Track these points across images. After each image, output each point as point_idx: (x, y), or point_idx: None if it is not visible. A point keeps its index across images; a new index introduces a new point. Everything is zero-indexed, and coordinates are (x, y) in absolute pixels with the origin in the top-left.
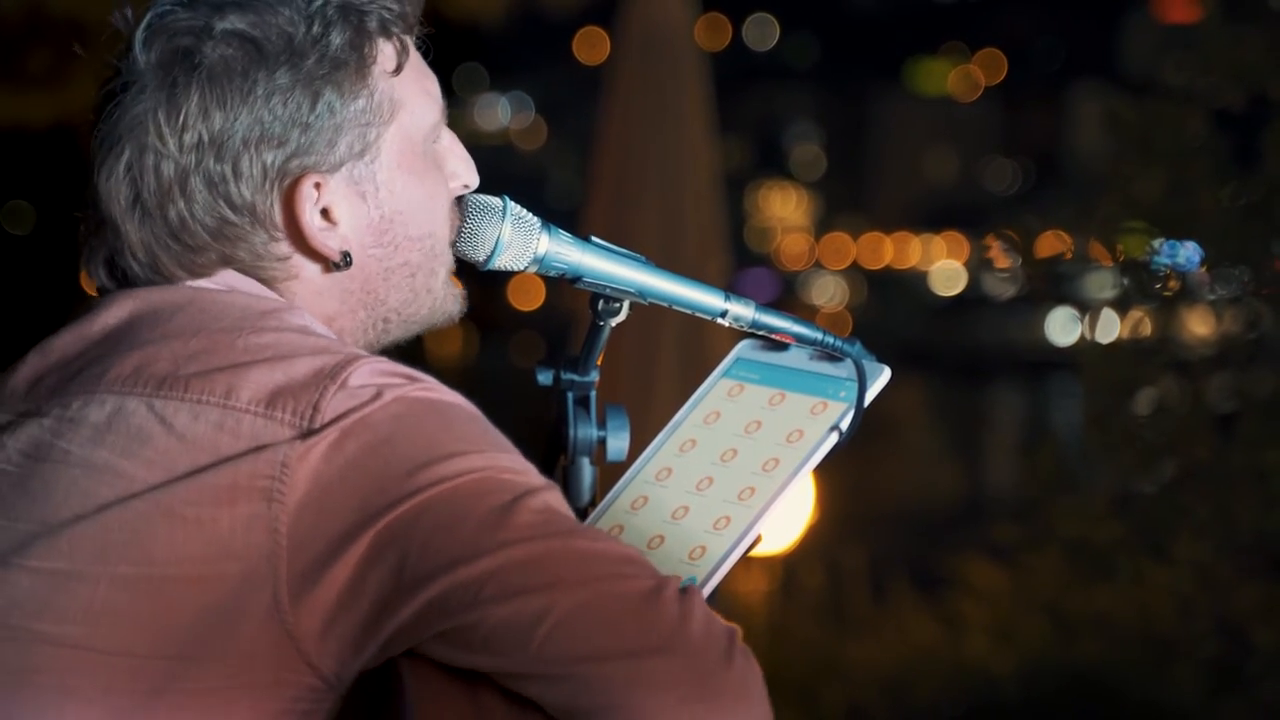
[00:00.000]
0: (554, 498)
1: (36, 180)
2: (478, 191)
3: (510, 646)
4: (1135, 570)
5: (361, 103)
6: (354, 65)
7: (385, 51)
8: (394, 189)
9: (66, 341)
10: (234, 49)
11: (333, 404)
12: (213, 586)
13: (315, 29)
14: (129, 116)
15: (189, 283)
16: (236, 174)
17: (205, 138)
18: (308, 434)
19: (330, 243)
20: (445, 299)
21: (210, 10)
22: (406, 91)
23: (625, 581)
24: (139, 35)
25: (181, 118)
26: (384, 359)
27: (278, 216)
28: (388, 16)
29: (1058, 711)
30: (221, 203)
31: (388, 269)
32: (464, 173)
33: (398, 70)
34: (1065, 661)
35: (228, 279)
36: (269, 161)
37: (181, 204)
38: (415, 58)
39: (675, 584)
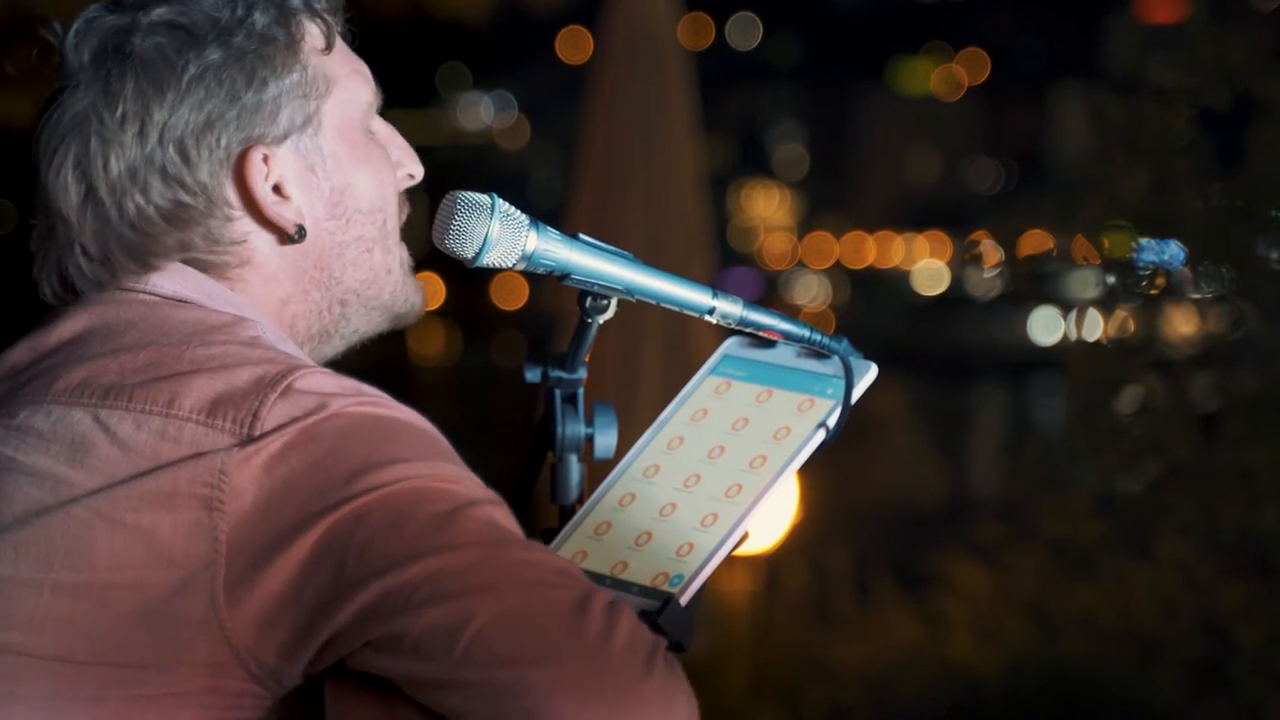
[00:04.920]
0: (498, 512)
1: (19, 180)
2: (465, 189)
3: (437, 650)
4: (1119, 569)
5: (295, 76)
6: (283, 41)
7: (311, 30)
8: (340, 162)
9: (20, 352)
10: (163, 36)
11: (273, 412)
12: (152, 593)
13: (239, 10)
14: (70, 115)
15: (145, 290)
16: (184, 157)
17: (148, 125)
18: (247, 441)
19: (285, 214)
20: (407, 285)
21: (135, 8)
22: (339, 70)
23: (554, 590)
24: (69, 41)
25: (121, 108)
26: (330, 371)
27: (231, 195)
28: None
29: (1041, 710)
30: (176, 187)
31: (342, 244)
32: (409, 162)
33: (328, 49)
34: (1049, 661)
35: (181, 278)
36: (214, 140)
37: (137, 194)
38: (341, 43)
39: (604, 597)
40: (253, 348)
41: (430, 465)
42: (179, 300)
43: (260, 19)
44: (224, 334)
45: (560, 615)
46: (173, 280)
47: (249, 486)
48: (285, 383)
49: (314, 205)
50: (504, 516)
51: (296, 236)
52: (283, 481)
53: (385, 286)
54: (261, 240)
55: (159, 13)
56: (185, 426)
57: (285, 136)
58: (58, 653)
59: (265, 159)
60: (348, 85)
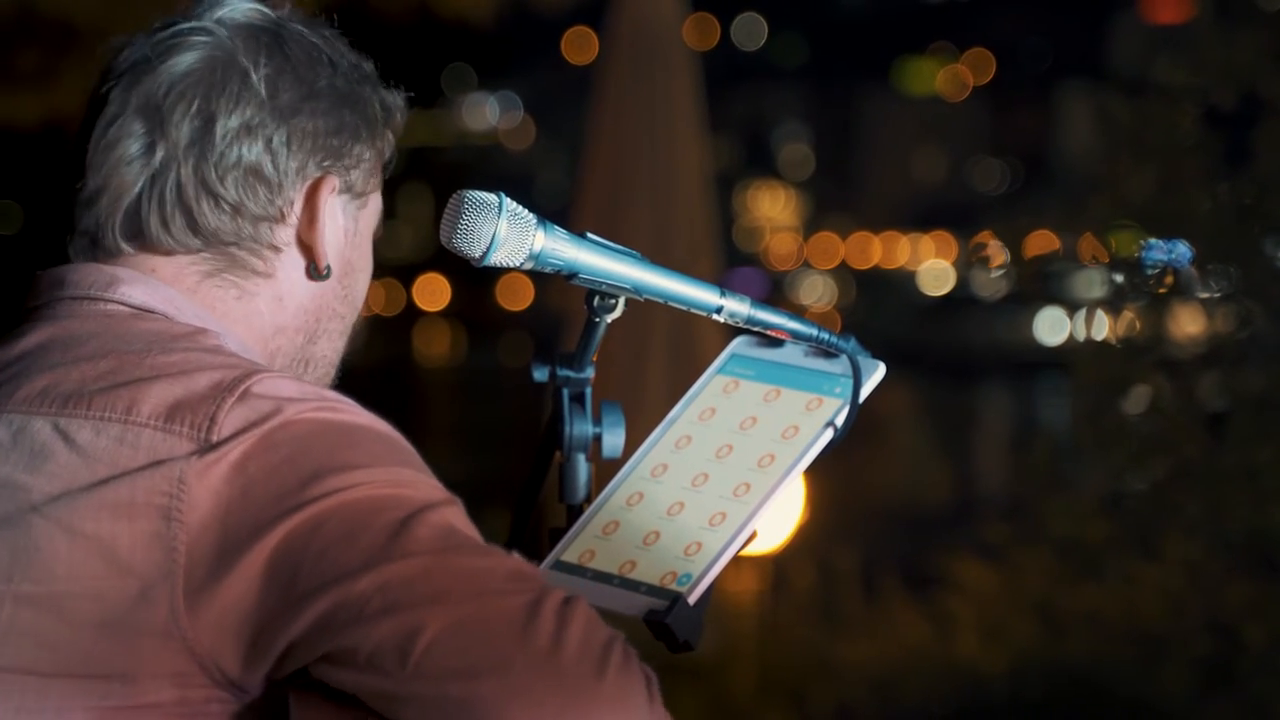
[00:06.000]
0: (454, 513)
1: (25, 180)
2: (472, 189)
3: (390, 665)
4: (1125, 569)
5: (371, 155)
6: (381, 121)
7: (390, 136)
8: (362, 246)
9: None
10: (309, 47)
11: (231, 417)
12: (112, 604)
13: (362, 71)
14: (209, 55)
15: (113, 299)
16: (286, 141)
17: (278, 100)
18: (206, 448)
19: (325, 249)
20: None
21: (284, 18)
22: (380, 181)
23: (506, 597)
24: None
25: (266, 73)
26: (291, 375)
27: (296, 202)
28: (401, 106)
29: (1047, 710)
30: (266, 161)
31: (335, 312)
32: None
33: (388, 160)
34: (1055, 660)
35: (152, 291)
36: (310, 147)
37: (243, 149)
38: None
39: (557, 596)
40: (214, 354)
41: (387, 470)
42: (145, 311)
43: (372, 93)
44: (186, 341)
45: (511, 623)
46: (142, 291)
47: (208, 497)
48: (243, 387)
49: (334, 260)
50: (460, 519)
51: (324, 273)
52: (241, 490)
53: (328, 373)
54: (291, 260)
55: (306, 31)
56: (143, 433)
57: (347, 190)
58: (21, 665)
59: (334, 191)
60: (379, 199)
